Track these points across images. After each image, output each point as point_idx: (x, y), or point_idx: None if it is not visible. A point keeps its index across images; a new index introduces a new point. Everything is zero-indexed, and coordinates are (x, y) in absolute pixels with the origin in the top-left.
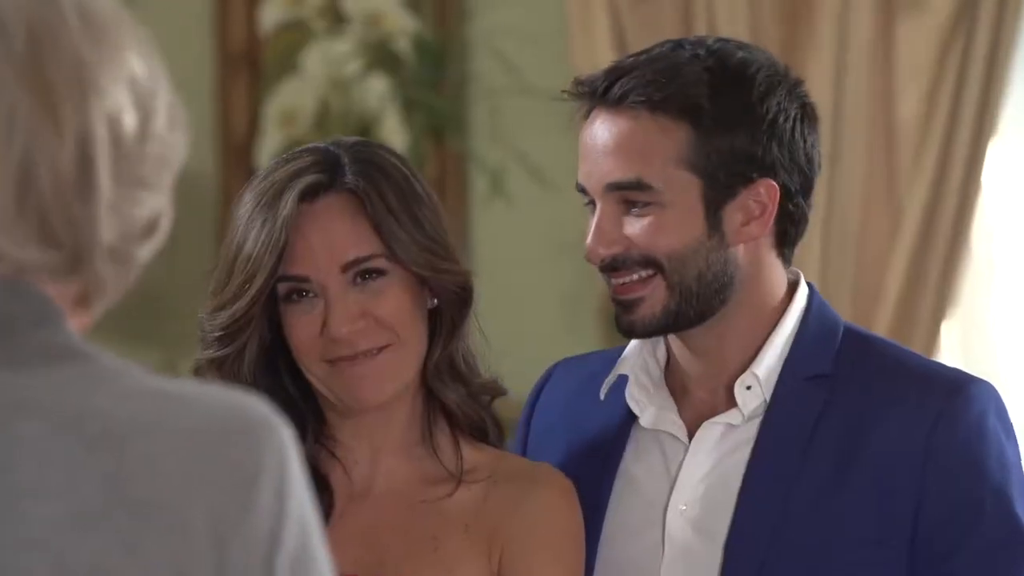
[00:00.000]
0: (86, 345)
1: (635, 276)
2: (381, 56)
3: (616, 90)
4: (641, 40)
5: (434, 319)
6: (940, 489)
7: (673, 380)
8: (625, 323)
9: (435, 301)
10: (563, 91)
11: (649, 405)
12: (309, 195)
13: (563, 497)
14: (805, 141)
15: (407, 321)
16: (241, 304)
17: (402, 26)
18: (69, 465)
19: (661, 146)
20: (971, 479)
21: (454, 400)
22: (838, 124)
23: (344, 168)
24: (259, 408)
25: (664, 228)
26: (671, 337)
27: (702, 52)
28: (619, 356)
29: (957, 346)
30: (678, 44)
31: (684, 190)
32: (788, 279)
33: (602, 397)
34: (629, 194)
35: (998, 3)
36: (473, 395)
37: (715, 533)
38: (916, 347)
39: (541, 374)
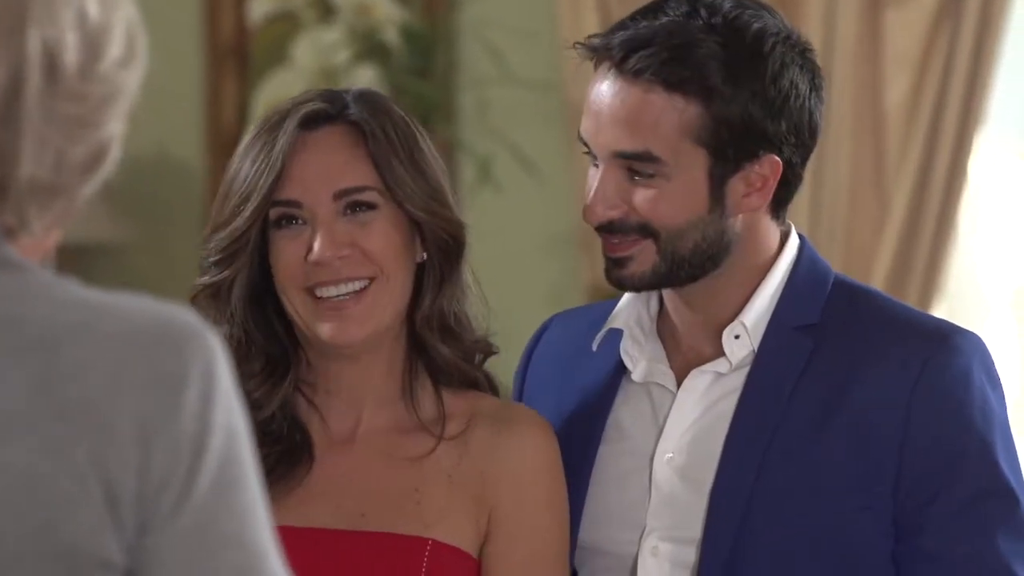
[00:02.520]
0: (20, 258)
1: (629, 238)
2: (370, 46)
3: (633, 63)
4: None
5: (424, 273)
6: (923, 437)
7: (664, 328)
8: (615, 277)
9: (424, 255)
10: (575, 43)
11: (641, 359)
12: (310, 123)
13: (541, 435)
14: (812, 114)
15: (392, 258)
16: (236, 225)
17: (390, 15)
18: None
19: (672, 120)
20: (955, 428)
21: (444, 355)
22: (825, 114)
23: (348, 103)
24: (188, 317)
25: (667, 200)
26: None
27: (718, 22)
28: (612, 309)
29: None
30: (693, 8)
31: (691, 164)
32: (780, 231)
33: (595, 348)
34: (635, 163)
35: None
36: (465, 352)
37: (700, 481)
38: None
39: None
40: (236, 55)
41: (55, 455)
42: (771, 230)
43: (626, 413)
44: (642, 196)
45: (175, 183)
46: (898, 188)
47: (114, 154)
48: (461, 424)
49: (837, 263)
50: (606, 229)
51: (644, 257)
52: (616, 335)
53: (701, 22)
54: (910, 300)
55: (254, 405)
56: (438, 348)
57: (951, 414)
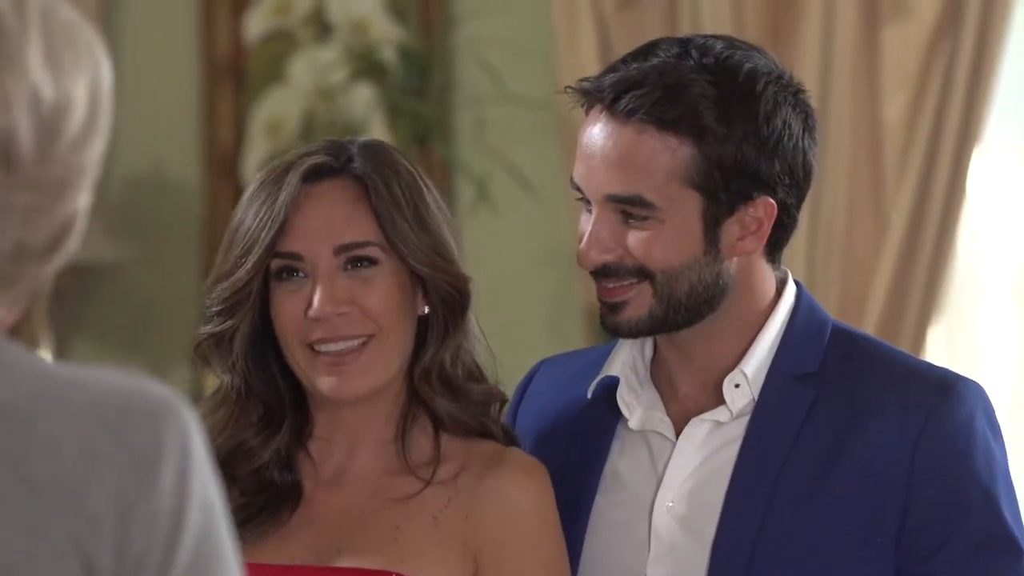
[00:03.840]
0: None
1: (625, 283)
2: (366, 65)
3: (624, 103)
4: (626, 47)
5: (426, 326)
6: (927, 488)
7: (659, 375)
8: (611, 323)
9: (426, 309)
10: (566, 87)
11: (637, 406)
12: (314, 176)
13: (528, 478)
14: (806, 154)
15: (393, 316)
16: (239, 276)
17: (387, 35)
18: None
19: (665, 163)
20: (958, 479)
21: (443, 408)
22: (823, 130)
23: (353, 156)
24: (160, 391)
25: (662, 243)
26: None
27: (709, 62)
28: (602, 355)
29: (943, 351)
30: (684, 50)
31: (684, 207)
32: (776, 277)
33: (589, 396)
34: (628, 207)
35: (983, 10)
36: (472, 404)
37: (702, 531)
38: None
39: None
40: (232, 73)
41: (32, 533)
42: (767, 275)
43: (623, 463)
44: (636, 238)
45: (172, 201)
46: (897, 205)
47: (79, 227)
48: (454, 468)
49: (836, 280)
50: (601, 273)
51: (640, 301)
52: (607, 382)
53: (692, 62)
54: (909, 317)
55: (248, 453)
56: (436, 401)
57: (955, 465)
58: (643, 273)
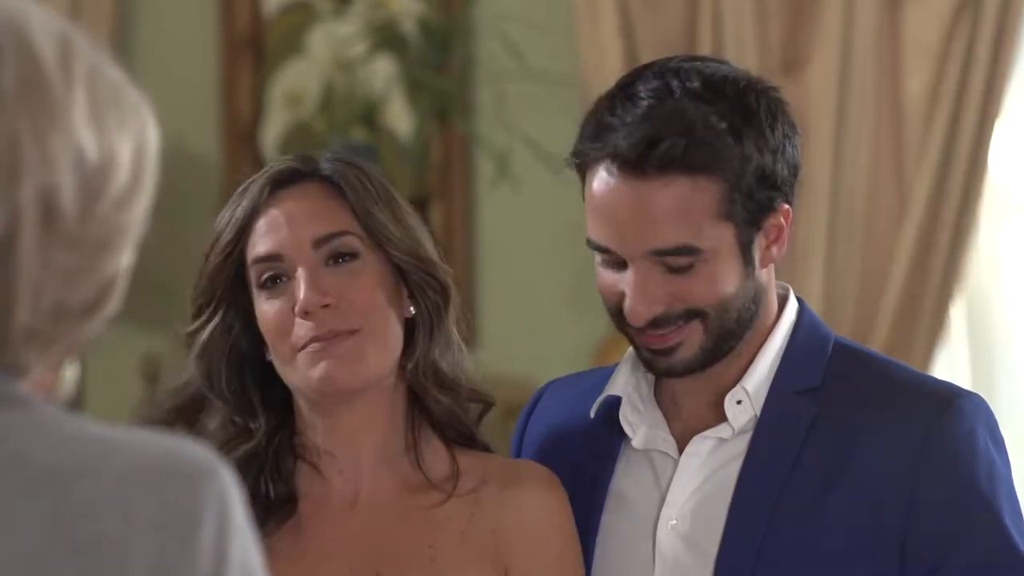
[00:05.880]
0: (26, 394)
1: (674, 327)
2: (386, 38)
3: (654, 160)
4: (646, 23)
5: (413, 328)
6: (930, 504)
7: (663, 395)
8: (664, 366)
9: (412, 311)
10: (566, 158)
11: (641, 425)
12: (283, 182)
13: (552, 490)
14: (795, 149)
15: (379, 311)
16: (205, 275)
17: (408, 8)
18: (9, 509)
19: (700, 206)
20: (961, 494)
21: (443, 405)
22: (845, 105)
23: (320, 162)
24: (199, 452)
25: (709, 282)
26: None
27: (696, 87)
28: (607, 375)
29: (963, 326)
30: (664, 84)
31: (723, 241)
32: (778, 294)
33: (592, 415)
34: (672, 259)
35: None
36: (461, 405)
37: (705, 548)
38: (923, 328)
39: (543, 368)
40: (251, 46)
41: None
42: (773, 286)
43: (628, 482)
44: (684, 284)
45: (191, 174)
46: (918, 179)
47: (120, 287)
48: (473, 481)
49: (857, 254)
50: (651, 325)
51: (692, 340)
52: (611, 402)
53: (683, 94)
54: (930, 292)
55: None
56: (436, 398)
57: (958, 479)
58: (693, 314)
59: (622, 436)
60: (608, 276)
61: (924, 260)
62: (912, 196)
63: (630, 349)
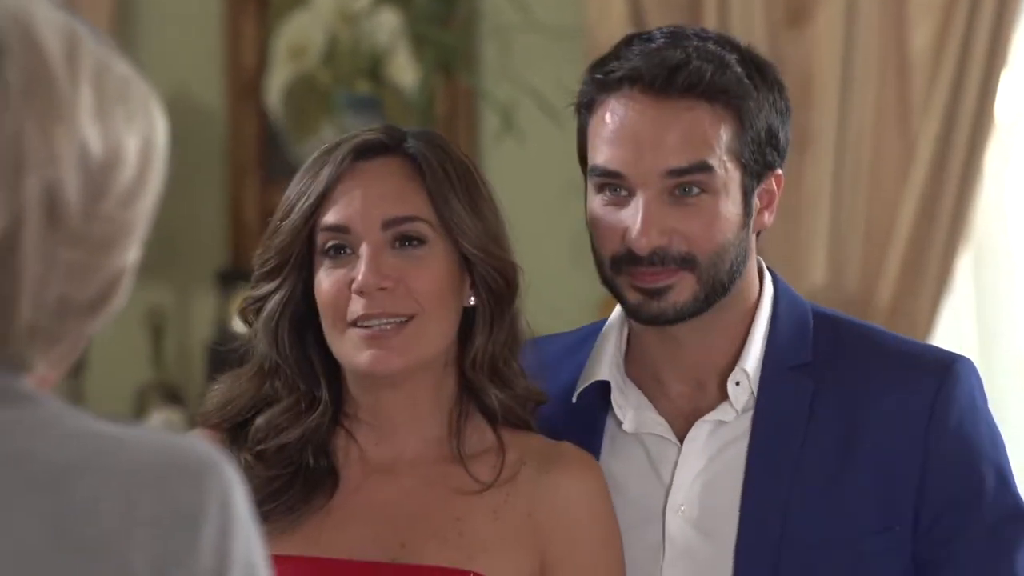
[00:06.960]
0: (30, 390)
1: (668, 269)
2: None
3: (680, 81)
4: None
5: (473, 317)
6: (941, 474)
7: (640, 373)
8: (654, 310)
9: (472, 300)
10: (580, 90)
11: (627, 408)
12: (365, 152)
13: (592, 474)
14: (789, 127)
15: (437, 299)
16: (276, 243)
17: None
18: (11, 505)
19: (718, 132)
20: (970, 459)
21: (498, 398)
22: (850, 56)
23: (408, 137)
24: (202, 448)
25: (712, 219)
26: (641, 330)
27: (712, 36)
28: (584, 336)
29: (970, 278)
30: (680, 30)
31: (731, 177)
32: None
33: (575, 401)
34: (689, 178)
35: None
36: (517, 399)
37: (716, 532)
38: (929, 280)
39: (548, 321)
40: None
41: None
42: (755, 259)
43: (617, 464)
44: (686, 219)
45: (195, 126)
46: (924, 132)
47: (126, 284)
48: (512, 461)
49: (862, 208)
50: (646, 261)
51: (683, 287)
52: (574, 375)
53: (696, 41)
54: (936, 244)
55: (276, 428)
56: (490, 392)
57: (966, 447)
58: (687, 261)
59: (604, 414)
60: (609, 215)
61: (930, 212)
62: (917, 148)
63: (604, 327)
